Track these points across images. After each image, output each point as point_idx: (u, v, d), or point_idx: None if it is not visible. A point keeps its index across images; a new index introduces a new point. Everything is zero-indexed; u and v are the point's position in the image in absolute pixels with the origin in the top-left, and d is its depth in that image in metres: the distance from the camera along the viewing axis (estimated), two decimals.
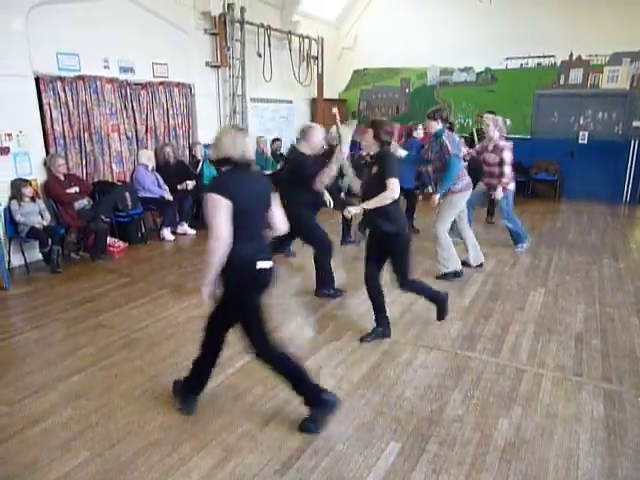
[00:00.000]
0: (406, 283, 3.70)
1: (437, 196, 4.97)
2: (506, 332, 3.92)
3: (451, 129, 5.73)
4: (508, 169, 5.69)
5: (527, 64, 9.66)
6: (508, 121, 6.00)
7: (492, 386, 3.15)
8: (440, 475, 2.38)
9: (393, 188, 3.41)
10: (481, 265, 5.46)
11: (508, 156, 5.69)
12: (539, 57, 9.53)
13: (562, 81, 9.44)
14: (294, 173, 4.36)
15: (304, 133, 4.39)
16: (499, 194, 5.78)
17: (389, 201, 3.44)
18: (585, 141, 9.43)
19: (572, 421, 2.79)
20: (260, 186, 2.64)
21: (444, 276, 5.06)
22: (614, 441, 2.62)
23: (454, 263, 5.07)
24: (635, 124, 8.98)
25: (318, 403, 2.66)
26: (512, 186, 5.91)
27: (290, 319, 4.18)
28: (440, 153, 4.89)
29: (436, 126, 4.92)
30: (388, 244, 3.60)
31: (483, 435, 2.67)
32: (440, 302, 3.84)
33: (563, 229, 7.37)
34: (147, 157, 6.80)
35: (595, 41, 8.85)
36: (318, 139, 4.37)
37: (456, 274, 5.07)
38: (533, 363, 3.44)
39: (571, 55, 9.26)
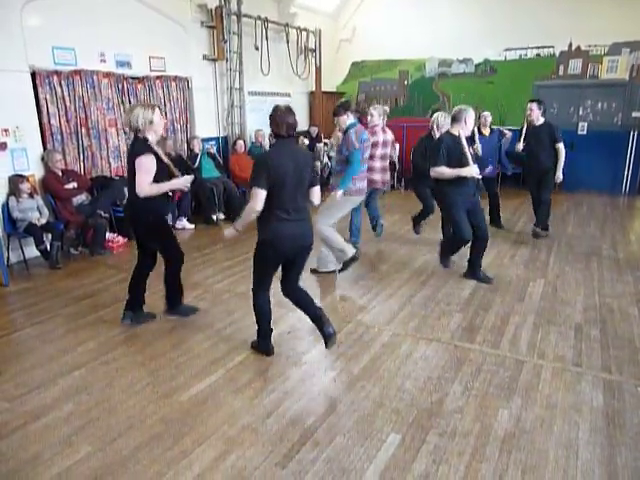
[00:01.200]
0: (253, 292, 3.38)
1: (340, 192, 4.57)
2: (506, 323, 3.92)
3: (361, 120, 5.20)
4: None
5: (526, 55, 9.62)
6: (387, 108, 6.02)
7: (492, 377, 3.16)
8: (440, 466, 2.39)
9: (252, 198, 3.01)
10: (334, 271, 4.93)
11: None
12: (538, 48, 9.48)
13: (561, 72, 9.40)
14: (449, 155, 4.36)
15: (459, 115, 4.42)
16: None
17: (253, 214, 3.07)
18: (584, 132, 9.40)
19: (572, 411, 2.80)
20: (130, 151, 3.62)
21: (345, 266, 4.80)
22: (613, 431, 2.63)
23: (348, 250, 4.73)
24: (634, 114, 8.95)
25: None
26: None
27: (291, 312, 4.17)
28: (342, 146, 4.61)
29: (347, 120, 4.58)
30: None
31: (483, 426, 2.68)
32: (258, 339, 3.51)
33: (562, 220, 7.36)
34: None
35: (594, 31, 8.80)
36: (471, 121, 4.46)
37: (353, 259, 4.75)
38: (533, 354, 3.45)
39: (570, 45, 9.21)
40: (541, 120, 5.97)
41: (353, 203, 4.86)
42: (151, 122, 3.51)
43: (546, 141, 5.92)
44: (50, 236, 5.44)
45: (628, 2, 8.47)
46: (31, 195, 5.42)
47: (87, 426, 2.72)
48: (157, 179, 3.55)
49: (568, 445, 2.53)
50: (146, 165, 3.46)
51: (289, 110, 3.09)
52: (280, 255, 3.21)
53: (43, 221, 5.40)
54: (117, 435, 2.64)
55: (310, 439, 2.58)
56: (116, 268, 5.39)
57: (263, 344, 3.46)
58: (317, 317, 3.32)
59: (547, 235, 6.28)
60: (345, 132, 4.60)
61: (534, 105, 5.94)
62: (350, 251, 4.73)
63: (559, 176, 5.98)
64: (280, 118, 3.04)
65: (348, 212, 5.03)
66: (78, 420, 2.77)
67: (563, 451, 2.48)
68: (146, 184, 3.47)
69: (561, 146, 5.90)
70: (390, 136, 5.68)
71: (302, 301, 3.40)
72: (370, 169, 5.20)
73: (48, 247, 5.42)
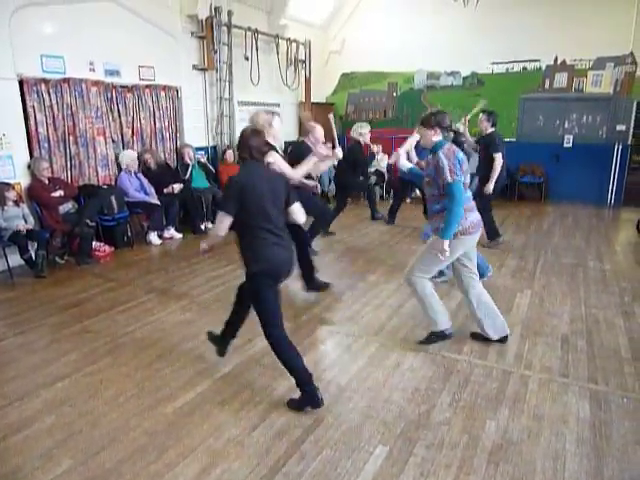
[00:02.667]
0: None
1: (445, 242, 3.32)
2: None
3: (457, 142, 4.03)
4: None
5: (513, 68, 9.76)
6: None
7: (479, 388, 3.15)
8: (428, 478, 2.37)
9: (217, 223, 2.88)
10: (505, 339, 3.76)
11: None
12: (525, 61, 9.63)
13: (547, 85, 9.55)
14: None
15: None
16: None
17: (217, 239, 2.93)
18: (570, 144, 9.54)
19: (558, 422, 2.81)
20: None
21: (430, 338, 3.74)
22: (600, 442, 2.64)
23: (441, 322, 3.69)
24: (618, 128, 9.11)
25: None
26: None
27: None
28: (433, 176, 3.38)
29: (433, 137, 3.40)
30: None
31: (470, 437, 2.67)
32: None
33: (549, 231, 7.44)
34: (127, 159, 6.63)
35: (579, 46, 8.98)
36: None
37: (443, 336, 3.72)
38: (520, 365, 3.45)
39: (556, 59, 9.37)
40: (489, 130, 6.15)
41: (464, 244, 3.50)
42: (270, 124, 4.00)
43: (484, 151, 6.14)
44: (35, 245, 5.36)
45: (612, 17, 8.66)
46: (17, 203, 5.36)
47: (69, 439, 2.66)
48: None
49: (555, 456, 2.53)
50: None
51: (254, 132, 2.98)
52: (277, 283, 2.92)
53: (29, 227, 5.33)
54: (100, 448, 2.59)
55: (297, 452, 2.55)
56: (102, 277, 5.33)
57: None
58: (302, 377, 2.87)
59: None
60: (433, 153, 3.42)
61: (484, 116, 6.18)
62: (443, 324, 3.69)
63: (488, 187, 6.02)
64: (245, 141, 2.92)
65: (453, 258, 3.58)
66: (60, 433, 2.72)
67: (550, 462, 2.48)
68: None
69: (496, 157, 5.95)
70: None
71: (285, 353, 2.90)
72: None
73: (33, 256, 5.35)
